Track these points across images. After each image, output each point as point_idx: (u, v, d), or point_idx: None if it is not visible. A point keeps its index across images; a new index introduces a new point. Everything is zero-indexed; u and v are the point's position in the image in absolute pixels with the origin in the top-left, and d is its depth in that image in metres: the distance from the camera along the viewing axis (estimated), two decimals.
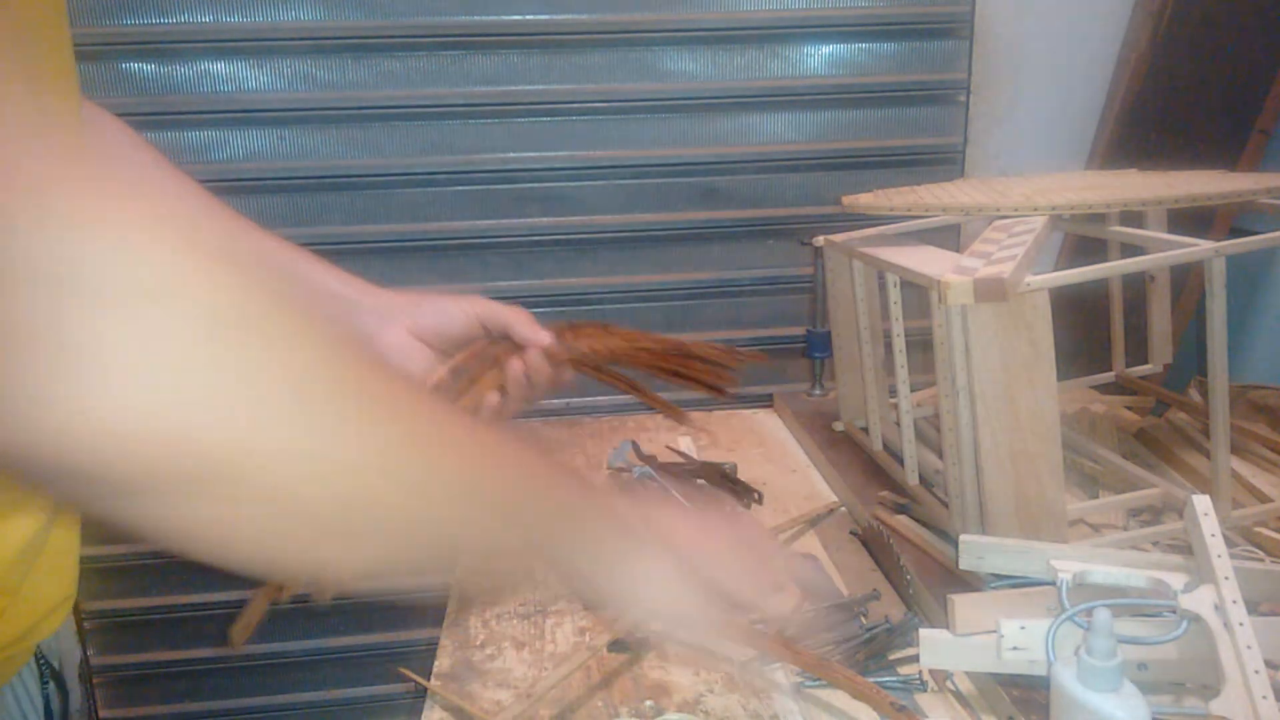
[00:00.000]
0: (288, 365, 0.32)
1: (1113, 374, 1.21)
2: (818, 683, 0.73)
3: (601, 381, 0.83)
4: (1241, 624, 0.59)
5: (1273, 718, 0.53)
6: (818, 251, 1.21)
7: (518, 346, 0.76)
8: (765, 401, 1.41)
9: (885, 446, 1.09)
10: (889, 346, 0.98)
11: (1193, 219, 1.07)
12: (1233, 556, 0.64)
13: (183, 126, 1.31)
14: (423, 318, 0.77)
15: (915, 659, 0.73)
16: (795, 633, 0.74)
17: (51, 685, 0.64)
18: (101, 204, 0.28)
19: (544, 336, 0.76)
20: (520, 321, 0.77)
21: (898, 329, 0.92)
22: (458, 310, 0.77)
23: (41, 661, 0.63)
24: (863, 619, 0.81)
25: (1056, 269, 0.78)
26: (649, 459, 1.14)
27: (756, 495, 1.05)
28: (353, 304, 0.76)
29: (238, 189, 1.30)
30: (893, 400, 1.00)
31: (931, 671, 0.72)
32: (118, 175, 0.29)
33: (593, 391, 1.43)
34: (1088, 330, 1.24)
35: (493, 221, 1.39)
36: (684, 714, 0.70)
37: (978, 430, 0.77)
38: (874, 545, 0.93)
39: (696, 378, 0.82)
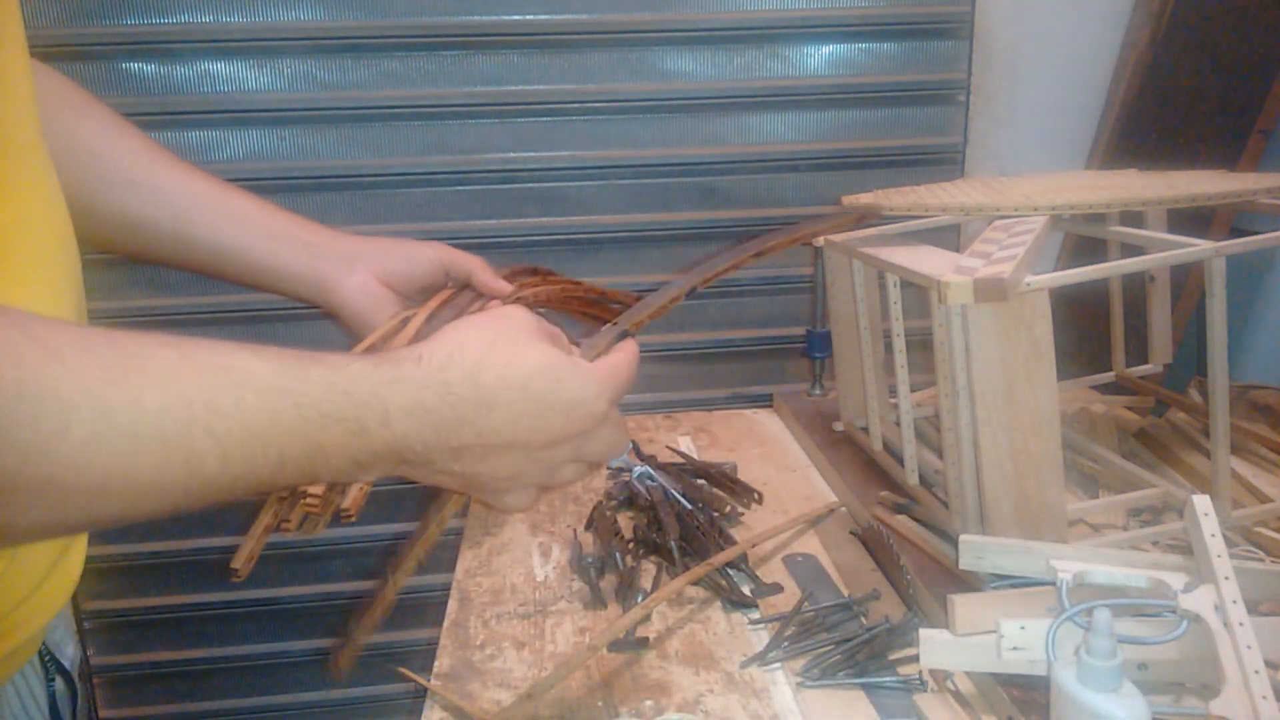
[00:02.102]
0: None
1: (1113, 374, 1.21)
2: (818, 682, 0.73)
3: None
4: (1241, 624, 0.59)
5: (1273, 718, 0.53)
6: (818, 251, 1.20)
7: (479, 294, 0.80)
8: (765, 401, 1.41)
9: (885, 446, 1.09)
10: (889, 346, 0.98)
11: (1193, 219, 1.07)
12: (1233, 556, 0.64)
13: (183, 126, 1.32)
14: (389, 263, 0.79)
15: (915, 659, 0.73)
16: None
17: (59, 682, 0.64)
18: None
19: (504, 286, 0.81)
20: (481, 270, 0.81)
21: (898, 329, 0.92)
22: (422, 257, 0.80)
23: (47, 658, 0.63)
24: (863, 619, 0.81)
25: (1056, 269, 0.78)
26: (649, 459, 1.14)
27: (756, 495, 1.05)
28: (319, 250, 0.78)
29: None
30: (893, 400, 1.00)
31: (931, 671, 0.72)
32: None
33: None
34: (1088, 330, 1.24)
35: (493, 221, 1.39)
36: (684, 714, 0.70)
37: (978, 430, 0.77)
38: (874, 545, 0.93)
39: (610, 321, 0.97)
